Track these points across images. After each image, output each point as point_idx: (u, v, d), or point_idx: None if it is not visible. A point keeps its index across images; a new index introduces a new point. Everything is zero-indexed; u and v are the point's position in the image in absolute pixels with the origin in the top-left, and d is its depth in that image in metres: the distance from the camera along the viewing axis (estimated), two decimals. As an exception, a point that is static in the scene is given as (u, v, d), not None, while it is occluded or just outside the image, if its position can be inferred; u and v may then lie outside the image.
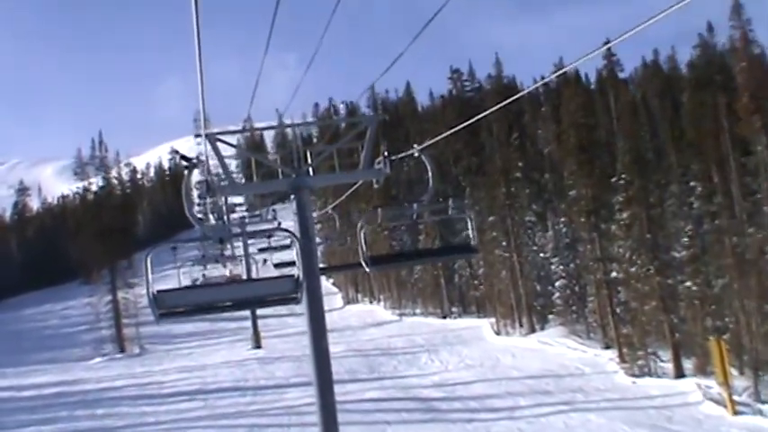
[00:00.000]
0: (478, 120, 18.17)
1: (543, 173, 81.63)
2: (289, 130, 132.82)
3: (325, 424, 13.00)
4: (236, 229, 21.07)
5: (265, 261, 45.10)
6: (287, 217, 16.76)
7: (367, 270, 14.27)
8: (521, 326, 72.84)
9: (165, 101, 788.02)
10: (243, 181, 35.66)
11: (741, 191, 49.18)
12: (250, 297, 12.50)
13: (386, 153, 13.88)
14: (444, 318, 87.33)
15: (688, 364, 51.81)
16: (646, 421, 42.76)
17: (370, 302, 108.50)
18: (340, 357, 60.01)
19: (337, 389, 13.40)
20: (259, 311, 78.98)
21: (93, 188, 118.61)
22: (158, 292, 11.52)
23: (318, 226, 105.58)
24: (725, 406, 42.65)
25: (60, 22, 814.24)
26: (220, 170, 14.82)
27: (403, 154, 16.88)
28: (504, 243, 73.94)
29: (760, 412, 42.05)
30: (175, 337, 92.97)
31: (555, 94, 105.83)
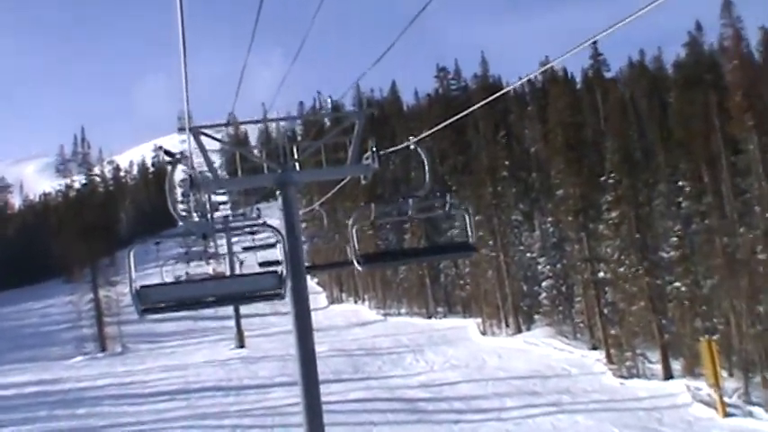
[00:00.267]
0: (465, 116, 17.77)
1: (530, 172, 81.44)
2: (273, 126, 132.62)
3: (310, 424, 12.63)
4: (220, 226, 20.69)
5: (242, 263, 44.46)
6: (272, 216, 16.35)
7: (359, 269, 13.81)
8: (507, 326, 72.48)
9: (149, 99, 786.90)
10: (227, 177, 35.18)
11: (732, 190, 48.88)
12: (233, 292, 12.29)
13: (374, 148, 13.38)
14: (430, 318, 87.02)
15: (676, 366, 51.56)
16: (635, 423, 42.56)
17: (355, 302, 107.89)
18: (324, 357, 59.47)
19: (322, 389, 13.04)
20: (242, 311, 78.75)
21: (76, 186, 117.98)
22: (141, 287, 11.34)
23: (303, 224, 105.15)
24: (715, 408, 42.54)
25: (43, 19, 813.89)
26: (204, 166, 14.43)
27: (398, 146, 16.45)
28: (490, 242, 73.48)
29: (750, 414, 41.92)
30: (158, 335, 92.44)
31: (541, 93, 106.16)
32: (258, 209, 69.29)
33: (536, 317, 72.10)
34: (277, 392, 55.21)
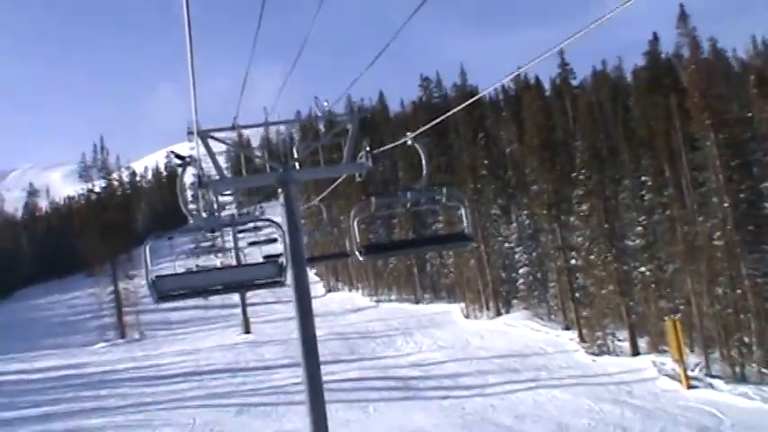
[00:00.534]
0: (447, 121, 17.44)
1: (506, 170, 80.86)
2: (273, 132, 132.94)
3: (312, 402, 12.35)
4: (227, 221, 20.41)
5: (246, 258, 44.01)
6: (274, 214, 16.08)
7: (360, 259, 13.32)
8: (488, 310, 72.00)
9: (162, 110, 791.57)
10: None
11: (691, 183, 48.72)
12: (239, 280, 12.36)
13: (368, 148, 13.13)
14: (417, 303, 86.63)
15: (642, 343, 51.22)
16: (608, 396, 42.24)
17: (350, 290, 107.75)
18: (323, 340, 58.58)
19: (321, 369, 12.57)
20: (248, 300, 78.83)
21: (97, 189, 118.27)
22: (157, 277, 11.43)
23: (303, 221, 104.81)
24: (679, 381, 42.42)
25: (70, 39, 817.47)
26: (213, 170, 14.09)
27: (396, 142, 15.98)
28: (472, 234, 73.03)
29: (711, 386, 41.73)
30: (172, 323, 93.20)
31: (514, 99, 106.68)
32: (262, 207, 69.33)
33: (514, 301, 71.67)
34: (281, 373, 54.98)
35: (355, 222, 12.72)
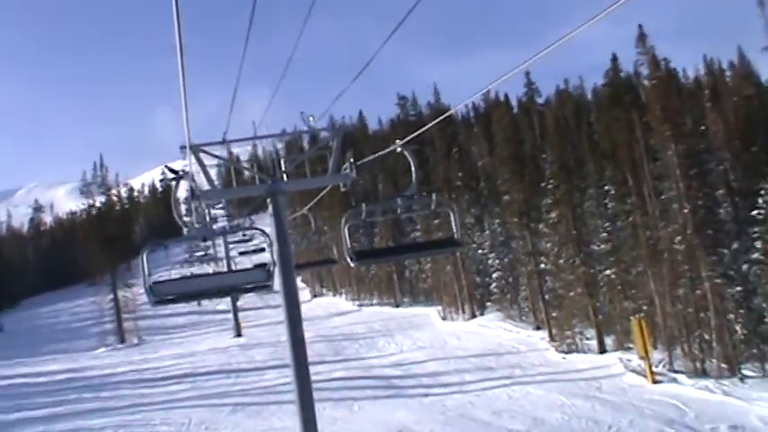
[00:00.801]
0: (421, 135, 17.08)
1: (479, 182, 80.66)
2: (261, 149, 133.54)
3: (301, 400, 12.54)
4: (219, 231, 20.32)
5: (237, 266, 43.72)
6: (263, 225, 15.88)
7: (352, 265, 12.89)
8: (463, 312, 71.74)
9: (158, 132, 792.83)
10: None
11: (653, 191, 48.60)
12: (230, 285, 12.64)
13: (352, 159, 13.27)
14: (397, 307, 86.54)
15: (609, 341, 50.99)
16: (579, 392, 41.88)
17: (334, 295, 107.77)
18: (309, 343, 57.43)
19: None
20: (239, 305, 78.47)
21: (97, 205, 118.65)
22: (154, 282, 11.71)
23: (290, 231, 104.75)
24: (645, 376, 42.21)
25: (72, 66, 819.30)
26: (205, 184, 13.83)
27: (386, 150, 15.66)
28: (448, 242, 72.78)
29: (675, 380, 41.54)
30: (169, 328, 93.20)
31: (484, 117, 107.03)
32: (251, 219, 69.08)
33: (488, 304, 71.30)
34: (270, 374, 54.60)
35: (346, 229, 12.36)
